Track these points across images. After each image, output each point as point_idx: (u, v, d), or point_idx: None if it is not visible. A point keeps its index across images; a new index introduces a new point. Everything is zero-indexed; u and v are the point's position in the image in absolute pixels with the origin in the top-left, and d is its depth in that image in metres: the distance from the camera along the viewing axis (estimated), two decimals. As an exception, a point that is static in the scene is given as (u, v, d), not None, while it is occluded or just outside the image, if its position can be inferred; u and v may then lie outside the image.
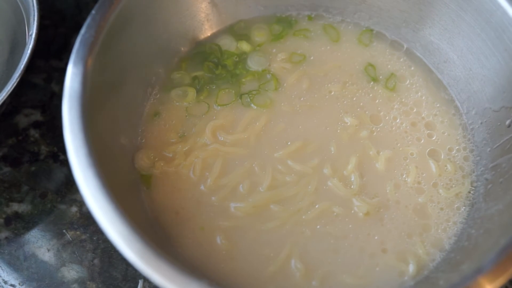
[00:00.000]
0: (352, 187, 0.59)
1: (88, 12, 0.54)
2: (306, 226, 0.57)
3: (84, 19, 0.54)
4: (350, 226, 0.57)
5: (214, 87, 0.65)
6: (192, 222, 0.57)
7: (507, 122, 0.57)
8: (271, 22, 0.70)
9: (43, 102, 0.73)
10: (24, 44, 0.64)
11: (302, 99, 0.64)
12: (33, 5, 0.65)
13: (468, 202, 0.59)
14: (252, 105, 0.64)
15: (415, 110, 0.64)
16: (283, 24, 0.70)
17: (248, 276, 0.55)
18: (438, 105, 0.65)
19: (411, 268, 0.55)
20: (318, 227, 0.57)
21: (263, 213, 0.58)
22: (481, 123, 0.61)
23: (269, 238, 0.56)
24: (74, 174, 0.47)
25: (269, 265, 0.55)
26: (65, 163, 0.68)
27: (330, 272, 0.55)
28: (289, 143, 0.61)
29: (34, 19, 0.64)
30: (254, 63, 0.67)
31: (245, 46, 0.67)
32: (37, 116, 0.72)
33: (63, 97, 0.50)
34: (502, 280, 0.44)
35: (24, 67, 0.61)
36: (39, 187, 0.67)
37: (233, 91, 0.65)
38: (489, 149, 0.60)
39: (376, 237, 0.56)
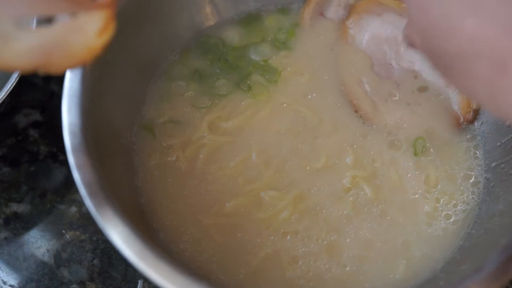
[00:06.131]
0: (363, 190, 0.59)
1: (87, 12, 0.54)
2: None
3: (83, 19, 0.54)
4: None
5: (215, 79, 0.64)
6: (187, 216, 0.57)
7: (508, 122, 0.57)
8: (273, 13, 0.69)
9: (43, 102, 0.73)
10: (23, 44, 0.64)
11: (304, 93, 0.63)
12: (33, 5, 0.65)
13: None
14: (251, 93, 0.63)
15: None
16: (285, 16, 0.69)
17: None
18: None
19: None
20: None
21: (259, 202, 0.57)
22: (482, 123, 0.61)
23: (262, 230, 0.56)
24: (74, 174, 0.47)
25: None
26: (65, 163, 0.68)
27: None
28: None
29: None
30: (256, 55, 0.66)
31: (248, 38, 0.67)
32: (36, 116, 0.72)
33: (63, 97, 0.50)
34: (503, 280, 0.44)
35: (23, 67, 0.61)
36: (38, 187, 0.67)
37: (233, 83, 0.64)
38: (490, 149, 0.60)
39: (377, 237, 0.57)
